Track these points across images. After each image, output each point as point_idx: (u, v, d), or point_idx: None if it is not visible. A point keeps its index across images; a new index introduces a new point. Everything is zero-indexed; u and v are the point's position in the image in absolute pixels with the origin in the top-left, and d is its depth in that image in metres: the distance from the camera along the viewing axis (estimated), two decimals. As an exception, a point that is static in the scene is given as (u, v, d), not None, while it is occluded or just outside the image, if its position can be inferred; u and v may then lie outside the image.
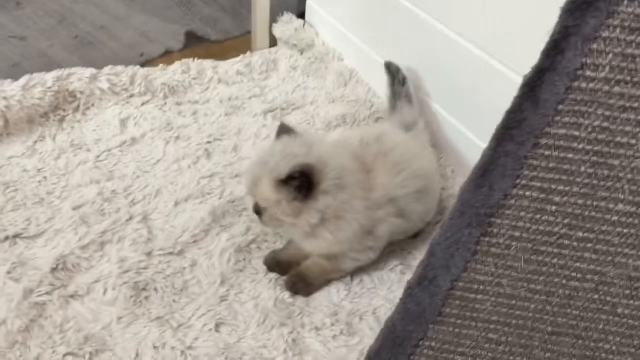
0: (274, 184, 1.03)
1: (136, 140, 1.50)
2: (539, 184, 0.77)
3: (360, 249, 1.12)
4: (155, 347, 1.03)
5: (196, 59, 1.76)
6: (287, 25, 1.88)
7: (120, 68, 1.63)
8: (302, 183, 1.01)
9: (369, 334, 1.08)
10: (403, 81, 1.42)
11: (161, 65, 1.72)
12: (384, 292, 1.16)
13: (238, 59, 1.83)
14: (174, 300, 1.12)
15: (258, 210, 1.09)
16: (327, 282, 1.16)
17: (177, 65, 1.72)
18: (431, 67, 1.46)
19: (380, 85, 1.66)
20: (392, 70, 1.46)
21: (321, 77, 1.77)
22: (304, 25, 1.88)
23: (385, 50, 1.61)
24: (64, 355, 1.01)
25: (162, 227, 1.27)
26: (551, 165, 0.76)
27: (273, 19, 1.91)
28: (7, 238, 1.21)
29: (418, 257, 1.23)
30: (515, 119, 0.74)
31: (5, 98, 1.43)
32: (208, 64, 1.76)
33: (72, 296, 1.11)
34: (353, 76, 1.73)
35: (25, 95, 1.46)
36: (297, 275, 1.14)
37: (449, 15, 1.35)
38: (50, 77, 1.51)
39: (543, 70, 0.71)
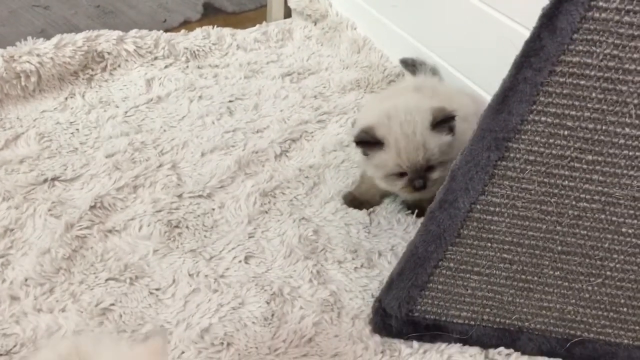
0: (430, 132, 1.10)
1: (161, 98, 1.57)
2: (553, 110, 0.85)
3: None
4: (190, 275, 1.11)
5: (215, 27, 1.83)
6: (301, -4, 1.95)
7: (144, 31, 1.71)
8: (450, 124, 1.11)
9: (387, 267, 1.16)
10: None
11: (183, 31, 1.79)
12: (401, 233, 1.24)
13: (255, 27, 1.90)
14: (205, 236, 1.20)
15: (424, 178, 1.12)
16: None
17: (198, 32, 1.79)
18: (442, 28, 1.54)
19: (393, 50, 1.74)
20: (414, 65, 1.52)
21: (335, 45, 1.84)
22: (318, -4, 1.95)
23: (399, 17, 1.69)
24: (106, 280, 1.09)
25: (191, 174, 1.34)
26: (565, 91, 0.84)
27: (288, -9, 1.98)
28: (45, 180, 1.28)
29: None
30: (534, 47, 0.82)
31: (38, 55, 1.50)
32: (226, 31, 1.83)
33: (110, 231, 1.19)
34: (366, 43, 1.80)
35: (57, 53, 1.53)
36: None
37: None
38: (80, 37, 1.58)
39: (560, 1, 0.79)
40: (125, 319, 1.03)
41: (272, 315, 1.05)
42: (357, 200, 1.28)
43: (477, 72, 1.44)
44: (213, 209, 1.26)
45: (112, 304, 1.05)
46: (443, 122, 1.11)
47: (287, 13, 2.02)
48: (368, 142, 1.13)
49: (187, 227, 1.21)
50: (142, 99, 1.56)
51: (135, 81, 1.61)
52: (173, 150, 1.40)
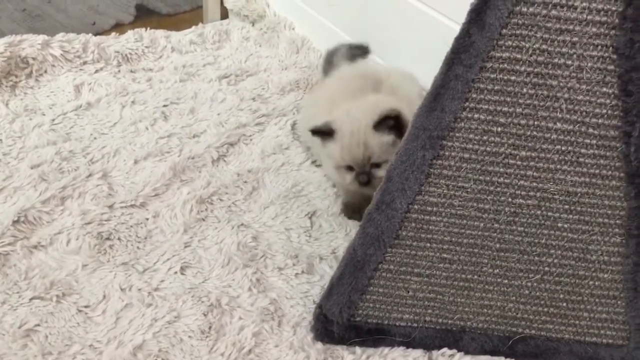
0: (372, 131, 1.12)
1: (92, 104, 1.50)
2: (485, 106, 0.84)
3: None
4: (122, 289, 1.05)
5: (148, 29, 1.77)
6: (238, -4, 1.91)
7: (72, 35, 1.64)
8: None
9: (329, 272, 1.13)
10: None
11: (113, 34, 1.72)
12: (342, 235, 1.21)
13: (190, 29, 1.85)
14: (138, 248, 1.14)
15: (369, 175, 1.14)
16: None
17: (130, 34, 1.72)
18: (379, 27, 1.52)
19: (332, 50, 1.72)
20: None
21: (273, 45, 1.81)
22: (254, -4, 1.92)
23: (336, 15, 1.67)
24: (31, 299, 1.02)
25: (123, 183, 1.28)
26: (496, 87, 0.83)
27: (224, -9, 1.94)
28: (-36, 195, 1.20)
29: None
30: (463, 44, 0.81)
31: (-45, 62, 1.41)
32: (160, 33, 1.78)
33: (35, 247, 1.12)
34: (305, 43, 1.78)
35: (-25, 60, 1.44)
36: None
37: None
38: (1, 42, 1.50)
39: (487, -4, 0.78)
40: (51, 340, 0.97)
41: (210, 327, 1.01)
42: (355, 206, 1.25)
43: (415, 70, 1.43)
44: (147, 219, 1.20)
45: (37, 325, 0.99)
46: (383, 121, 1.13)
47: (224, 14, 1.97)
48: (322, 132, 1.18)
49: (118, 238, 1.15)
50: (70, 106, 1.48)
51: (63, 87, 1.54)
52: (104, 159, 1.34)
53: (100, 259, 1.11)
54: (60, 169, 1.29)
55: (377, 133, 1.13)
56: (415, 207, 0.90)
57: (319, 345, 1.00)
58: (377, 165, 1.15)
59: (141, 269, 1.10)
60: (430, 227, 0.92)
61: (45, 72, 1.57)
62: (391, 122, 1.13)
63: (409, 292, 0.96)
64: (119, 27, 1.91)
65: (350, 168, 1.16)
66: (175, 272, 1.10)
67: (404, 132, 1.07)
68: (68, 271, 1.08)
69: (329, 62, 1.52)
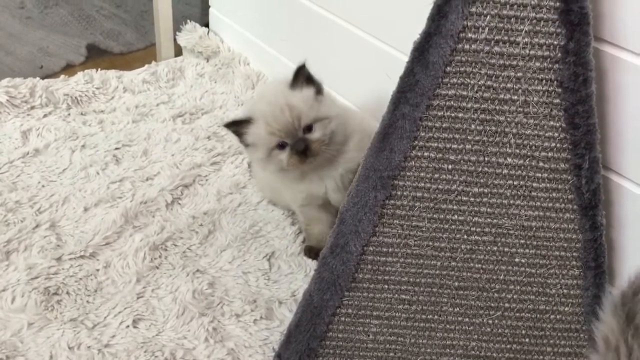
0: (291, 91, 1.10)
1: (39, 151, 1.45)
2: (435, 144, 0.82)
3: None
4: (70, 348, 1.00)
5: (99, 70, 1.74)
6: (191, 33, 1.89)
7: (18, 80, 1.59)
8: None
9: (288, 316, 1.09)
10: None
11: (62, 76, 1.68)
12: (302, 276, 1.18)
13: (143, 68, 1.82)
14: (88, 302, 1.09)
15: (305, 141, 1.07)
16: None
17: (80, 76, 1.68)
18: (331, 60, 1.52)
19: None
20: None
21: (229, 81, 1.79)
22: (208, 33, 1.90)
23: (289, 50, 1.65)
24: (-29, 365, 0.97)
25: (72, 232, 1.24)
26: (444, 125, 0.82)
27: (177, 29, 1.92)
28: None
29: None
30: (409, 82, 0.79)
31: None
32: (112, 73, 1.74)
33: (-23, 306, 1.06)
34: (260, 78, 1.76)
35: None
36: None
37: (345, 9, 1.42)
38: (-58, 90, 1.45)
39: (430, 34, 0.77)
40: (-7, 408, 0.91)
41: (164, 384, 0.96)
42: (318, 248, 1.18)
43: (368, 105, 1.42)
44: (97, 270, 1.16)
45: (-21, 393, 0.93)
46: (299, 76, 1.10)
47: (178, 51, 1.95)
48: (236, 123, 1.14)
49: (67, 293, 1.10)
50: (17, 153, 1.43)
51: (9, 134, 1.49)
52: (52, 208, 1.29)
53: (47, 316, 1.06)
54: (5, 221, 1.24)
55: (296, 91, 1.09)
56: (370, 248, 0.88)
57: (280, 396, 0.96)
58: (309, 129, 1.08)
59: (91, 324, 1.05)
60: (387, 268, 0.89)
61: (-9, 119, 1.52)
62: (304, 77, 1.11)
63: (369, 336, 0.94)
64: (69, 69, 1.87)
65: (282, 146, 1.08)
66: (127, 326, 1.05)
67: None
68: (13, 331, 1.03)
69: None
